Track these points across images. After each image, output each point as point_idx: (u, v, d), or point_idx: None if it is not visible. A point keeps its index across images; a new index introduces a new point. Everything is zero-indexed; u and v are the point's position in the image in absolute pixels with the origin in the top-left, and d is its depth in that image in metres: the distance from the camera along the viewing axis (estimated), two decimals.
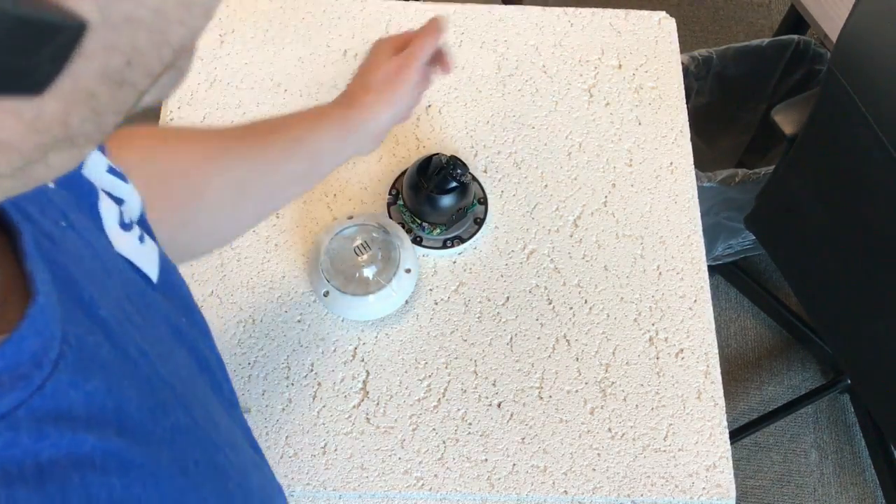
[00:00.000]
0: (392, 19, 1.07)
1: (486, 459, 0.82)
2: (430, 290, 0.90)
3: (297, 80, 1.02)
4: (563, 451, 0.82)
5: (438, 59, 0.76)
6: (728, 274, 1.80)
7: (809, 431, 1.69)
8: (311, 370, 0.85)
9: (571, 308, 0.90)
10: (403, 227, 0.91)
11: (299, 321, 0.88)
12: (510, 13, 1.09)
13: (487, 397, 0.85)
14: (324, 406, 0.84)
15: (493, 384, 0.85)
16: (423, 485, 0.80)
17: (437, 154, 0.89)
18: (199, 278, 0.89)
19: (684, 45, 1.26)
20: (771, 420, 1.65)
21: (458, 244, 0.92)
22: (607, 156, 0.99)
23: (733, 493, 0.81)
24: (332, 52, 1.05)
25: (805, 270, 1.33)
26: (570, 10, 1.09)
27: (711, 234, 1.58)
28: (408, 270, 0.86)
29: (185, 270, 0.76)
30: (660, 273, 0.92)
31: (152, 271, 0.41)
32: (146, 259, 0.41)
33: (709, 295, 0.91)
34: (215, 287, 0.89)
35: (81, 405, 0.28)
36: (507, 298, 0.90)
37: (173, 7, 0.24)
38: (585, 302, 0.90)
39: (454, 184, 0.88)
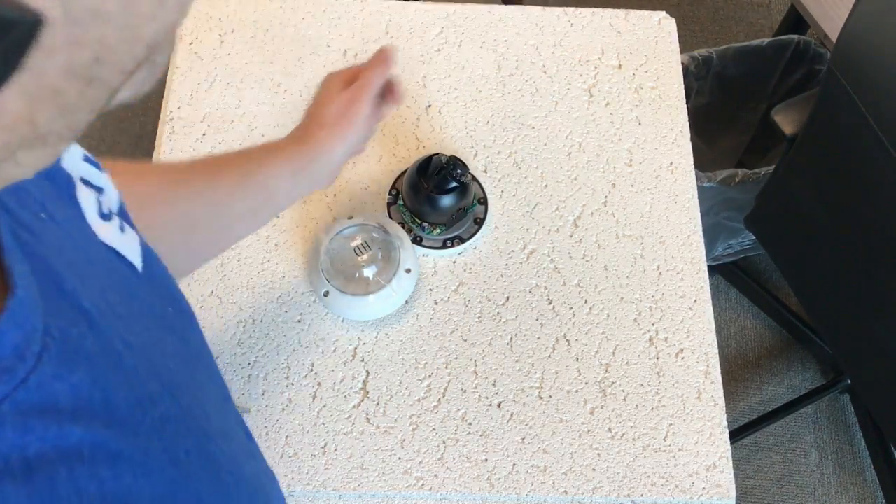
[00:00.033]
0: (392, 19, 1.07)
1: (486, 459, 0.82)
2: (430, 290, 0.90)
3: (297, 80, 1.02)
4: (563, 451, 0.82)
5: (388, 91, 0.76)
6: (728, 274, 1.80)
7: (809, 431, 1.69)
8: (311, 370, 0.85)
9: (571, 308, 0.90)
10: (403, 227, 0.91)
11: (299, 321, 0.88)
12: (510, 13, 1.09)
13: (487, 397, 0.85)
14: (324, 406, 0.84)
15: (493, 384, 0.85)
16: (423, 485, 0.80)
17: (437, 154, 0.89)
18: (199, 278, 0.89)
19: (684, 45, 1.26)
20: (771, 420, 1.65)
21: (458, 244, 0.92)
22: (607, 156, 0.99)
23: (733, 493, 0.81)
24: (332, 52, 1.05)
25: (805, 270, 1.33)
26: (570, 10, 1.09)
27: (711, 234, 1.58)
28: (408, 270, 0.86)
29: None
30: (660, 273, 0.92)
31: (136, 260, 0.41)
32: (129, 248, 0.40)
33: (709, 295, 0.91)
34: (215, 287, 0.89)
35: (67, 397, 0.28)
36: (507, 298, 0.90)
37: (144, 1, 0.23)
38: (585, 302, 0.90)
39: (454, 184, 0.88)
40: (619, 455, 0.82)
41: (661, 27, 1.09)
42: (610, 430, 0.84)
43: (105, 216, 0.40)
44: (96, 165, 0.43)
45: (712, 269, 1.73)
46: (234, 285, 0.90)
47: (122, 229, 0.41)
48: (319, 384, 0.85)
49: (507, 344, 0.88)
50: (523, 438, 0.83)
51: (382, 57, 0.75)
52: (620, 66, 1.05)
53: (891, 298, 1.13)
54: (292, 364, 0.86)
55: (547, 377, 0.86)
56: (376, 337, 0.87)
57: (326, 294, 0.85)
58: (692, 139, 1.02)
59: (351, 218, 0.88)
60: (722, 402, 0.85)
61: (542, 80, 1.04)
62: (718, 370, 0.87)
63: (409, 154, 0.98)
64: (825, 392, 1.69)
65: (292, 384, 0.85)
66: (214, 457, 0.36)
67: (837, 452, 1.67)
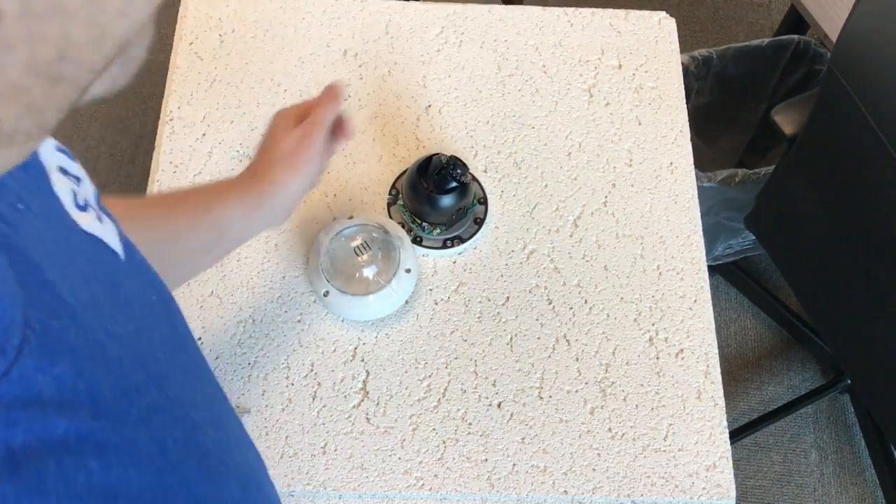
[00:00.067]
0: (392, 19, 1.07)
1: (486, 459, 0.82)
2: (430, 290, 0.90)
3: (297, 80, 1.02)
4: (563, 451, 0.82)
5: (338, 127, 0.78)
6: (728, 274, 1.80)
7: (809, 431, 1.69)
8: (311, 370, 0.85)
9: (571, 308, 0.90)
10: (403, 227, 0.91)
11: (299, 321, 0.88)
12: (510, 13, 1.09)
13: (487, 397, 0.85)
14: (324, 406, 0.84)
15: (493, 384, 0.85)
16: (423, 485, 0.80)
17: (437, 154, 0.89)
18: (199, 278, 0.89)
19: (684, 45, 1.26)
20: (771, 420, 1.65)
21: (458, 244, 0.92)
22: (607, 156, 0.99)
23: (733, 493, 0.81)
24: (332, 52, 1.05)
25: (805, 270, 1.33)
26: (570, 10, 1.09)
27: (711, 234, 1.58)
28: (408, 270, 0.86)
29: None
30: (660, 273, 0.92)
31: (117, 248, 0.40)
32: (109, 237, 0.40)
33: (709, 295, 0.91)
34: (215, 287, 0.89)
35: (51, 389, 0.28)
36: (507, 298, 0.90)
37: None
38: (585, 302, 0.90)
39: (454, 184, 0.88)
40: (619, 455, 0.82)
41: (661, 27, 1.09)
42: (610, 430, 0.84)
43: (82, 207, 0.40)
44: (69, 156, 0.43)
45: (712, 269, 1.73)
46: (234, 285, 0.90)
47: (100, 219, 0.40)
48: (319, 384, 0.85)
49: (507, 344, 0.88)
50: (523, 438, 0.83)
51: (332, 93, 0.76)
52: (620, 66, 1.05)
53: (891, 298, 1.13)
54: (292, 364, 0.86)
55: (547, 377, 0.86)
56: (376, 337, 0.87)
57: (326, 294, 0.85)
58: (692, 139, 1.02)
59: (351, 218, 0.88)
60: (722, 402, 0.85)
61: (542, 80, 1.04)
62: (718, 370, 0.87)
63: (409, 154, 0.98)
64: (825, 392, 1.69)
65: (292, 384, 0.85)
66: (203, 445, 0.36)
67: (837, 452, 1.68)
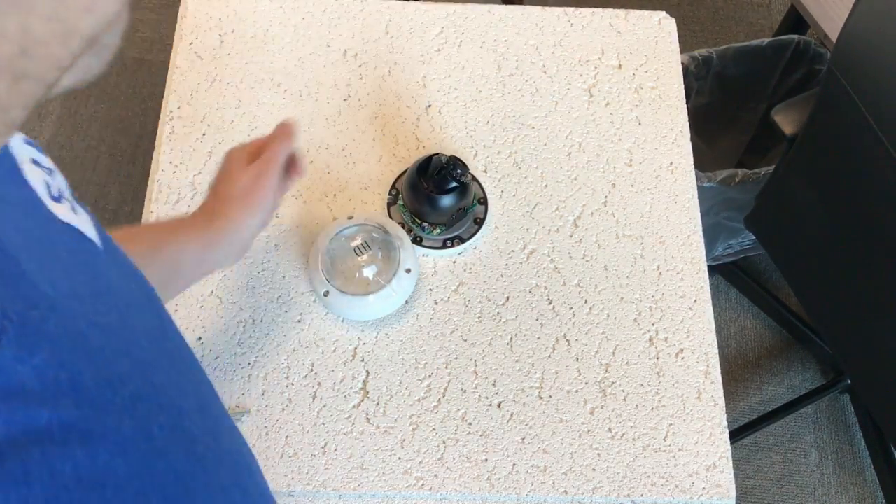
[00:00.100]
0: (392, 19, 1.07)
1: (486, 459, 0.82)
2: (430, 290, 0.90)
3: (297, 80, 1.02)
4: (563, 451, 0.82)
5: (291, 164, 0.78)
6: (728, 274, 1.80)
7: (809, 431, 1.69)
8: (311, 370, 0.85)
9: (571, 308, 0.90)
10: (403, 227, 0.91)
11: (299, 321, 0.88)
12: (510, 13, 1.09)
13: (487, 397, 0.85)
14: (324, 406, 0.84)
15: (493, 384, 0.85)
16: (423, 485, 0.80)
17: (437, 154, 0.89)
18: None
19: (684, 45, 1.26)
20: (771, 420, 1.65)
21: (458, 244, 0.92)
22: (607, 156, 0.99)
23: (733, 493, 0.81)
24: (332, 52, 1.05)
25: (805, 270, 1.33)
26: (570, 10, 1.09)
27: (711, 234, 1.58)
28: (408, 270, 0.86)
29: None
30: (660, 273, 0.92)
31: (94, 238, 0.40)
32: (85, 227, 0.40)
33: (709, 295, 0.91)
34: (215, 287, 0.89)
35: (32, 379, 0.28)
36: (507, 298, 0.90)
37: None
38: (585, 302, 0.90)
39: (454, 184, 0.88)
40: (619, 455, 0.82)
41: (661, 27, 1.09)
42: (610, 430, 0.84)
43: (56, 198, 0.39)
44: (39, 149, 0.43)
45: (712, 269, 1.73)
46: (234, 285, 0.89)
47: (74, 210, 0.40)
48: (319, 384, 0.85)
49: (507, 344, 0.88)
50: (523, 438, 0.83)
51: (285, 130, 0.77)
52: (620, 66, 1.05)
53: (891, 298, 1.13)
54: (292, 364, 0.86)
55: (547, 377, 0.86)
56: (376, 337, 0.87)
57: (326, 294, 0.85)
58: (692, 139, 1.02)
59: (351, 218, 0.88)
60: (722, 402, 0.85)
61: (542, 80, 1.04)
62: (718, 370, 0.87)
63: (409, 154, 0.98)
64: (825, 392, 1.69)
65: (292, 384, 0.85)
66: (190, 432, 0.36)
67: (837, 452, 1.68)
